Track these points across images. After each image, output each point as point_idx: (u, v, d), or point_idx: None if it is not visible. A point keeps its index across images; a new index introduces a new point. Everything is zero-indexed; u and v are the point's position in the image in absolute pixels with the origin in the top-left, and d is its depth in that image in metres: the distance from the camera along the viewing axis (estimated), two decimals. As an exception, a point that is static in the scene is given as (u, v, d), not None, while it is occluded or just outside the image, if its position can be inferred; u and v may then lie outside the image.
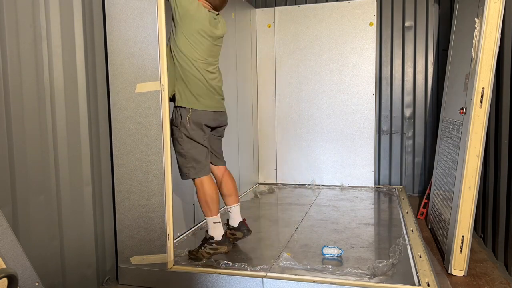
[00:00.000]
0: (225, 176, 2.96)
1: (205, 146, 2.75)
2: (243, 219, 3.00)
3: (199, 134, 2.70)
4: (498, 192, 2.98)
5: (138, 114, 2.58)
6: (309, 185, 5.17)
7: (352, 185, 5.08)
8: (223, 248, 2.77)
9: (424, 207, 4.11)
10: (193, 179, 2.75)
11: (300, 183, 5.24)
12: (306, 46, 5.06)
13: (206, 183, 2.73)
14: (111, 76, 2.61)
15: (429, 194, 4.08)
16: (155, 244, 2.63)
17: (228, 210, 2.97)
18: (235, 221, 2.97)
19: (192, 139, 2.69)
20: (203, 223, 3.61)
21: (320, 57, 5.02)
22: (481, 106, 2.63)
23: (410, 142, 5.00)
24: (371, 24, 4.85)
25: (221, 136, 2.99)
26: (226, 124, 2.95)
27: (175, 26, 2.63)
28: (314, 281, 2.41)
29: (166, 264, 2.63)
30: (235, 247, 3.01)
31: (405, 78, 4.95)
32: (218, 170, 2.96)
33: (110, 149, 2.71)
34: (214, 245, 2.75)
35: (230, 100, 4.35)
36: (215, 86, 2.75)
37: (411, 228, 3.39)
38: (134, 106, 2.58)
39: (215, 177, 2.96)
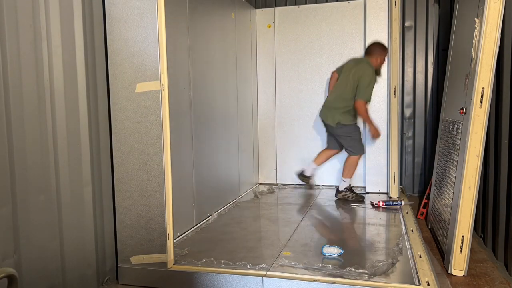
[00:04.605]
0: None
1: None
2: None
3: None
4: (498, 192, 2.98)
5: (138, 114, 2.58)
6: (309, 185, 5.17)
7: (352, 185, 5.06)
8: None
9: (424, 207, 4.11)
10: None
11: (300, 183, 5.23)
12: (306, 46, 5.06)
13: None
14: (111, 76, 2.62)
15: (429, 194, 4.07)
16: (155, 243, 2.64)
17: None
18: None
19: None
20: (203, 223, 3.61)
21: (320, 57, 5.01)
22: (481, 106, 2.63)
23: (410, 142, 5.00)
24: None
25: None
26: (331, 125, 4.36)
27: None
28: (314, 280, 2.41)
29: (166, 264, 2.63)
30: (235, 246, 3.02)
31: (405, 78, 4.94)
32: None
33: (110, 149, 2.71)
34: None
35: (230, 100, 4.35)
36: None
37: (411, 228, 3.39)
38: (134, 106, 2.58)
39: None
